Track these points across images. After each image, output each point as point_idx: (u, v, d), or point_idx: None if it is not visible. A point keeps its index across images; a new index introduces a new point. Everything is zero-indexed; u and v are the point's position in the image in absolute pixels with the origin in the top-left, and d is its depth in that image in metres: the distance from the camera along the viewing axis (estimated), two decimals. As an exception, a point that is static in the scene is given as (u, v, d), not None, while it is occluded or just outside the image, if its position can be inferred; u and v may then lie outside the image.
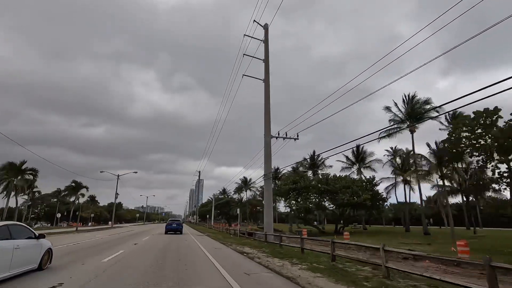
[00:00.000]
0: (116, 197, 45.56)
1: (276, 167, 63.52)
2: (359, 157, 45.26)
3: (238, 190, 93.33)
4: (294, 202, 33.13)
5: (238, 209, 27.63)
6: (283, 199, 36.22)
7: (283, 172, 58.40)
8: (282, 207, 68.10)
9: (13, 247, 6.47)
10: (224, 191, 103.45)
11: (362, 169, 45.09)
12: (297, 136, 23.84)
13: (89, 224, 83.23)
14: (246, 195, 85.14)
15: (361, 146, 44.74)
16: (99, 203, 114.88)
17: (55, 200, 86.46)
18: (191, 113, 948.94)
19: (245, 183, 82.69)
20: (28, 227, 8.02)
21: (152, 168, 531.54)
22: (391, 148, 50.11)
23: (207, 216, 68.53)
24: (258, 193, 79.39)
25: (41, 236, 8.07)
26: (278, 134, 23.68)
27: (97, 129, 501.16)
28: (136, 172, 43.02)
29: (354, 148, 45.02)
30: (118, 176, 43.61)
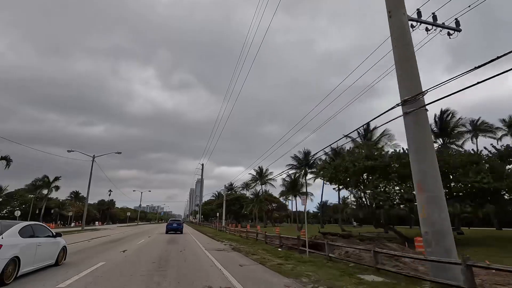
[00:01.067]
0: (89, 185, 32.11)
1: (305, 151, 49.85)
2: (447, 128, 31.09)
3: (246, 186, 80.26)
4: (385, 188, 19.19)
5: (303, 198, 13.24)
6: (350, 186, 22.31)
7: (315, 158, 44.58)
8: (309, 203, 54.71)
9: (36, 244, 7.36)
10: (231, 187, 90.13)
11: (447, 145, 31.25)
12: (457, 24, 10.43)
13: (72, 224, 69.23)
14: (261, 189, 71.11)
15: (448, 111, 30.90)
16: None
17: (32, 195, 72.71)
18: (191, 111, 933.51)
19: (260, 175, 68.40)
20: (47, 226, 9.01)
21: (151, 167, 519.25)
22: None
23: (217, 214, 53.88)
24: (285, 185, 65.30)
25: (58, 234, 8.98)
26: (419, 13, 10.13)
27: (95, 127, 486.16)
28: (120, 153, 29.25)
29: (436, 114, 31.39)
30: (94, 157, 30.38)
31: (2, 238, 6.24)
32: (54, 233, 8.72)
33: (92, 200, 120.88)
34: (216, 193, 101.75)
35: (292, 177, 53.36)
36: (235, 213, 74.03)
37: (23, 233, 7.01)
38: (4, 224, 6.89)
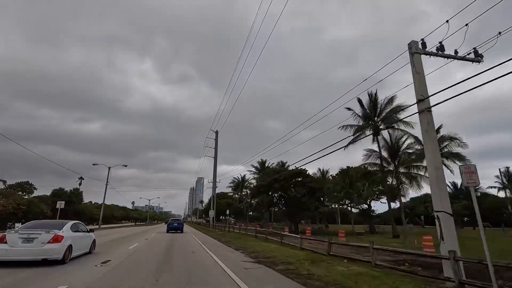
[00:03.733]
0: None
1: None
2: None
3: (283, 165, 46.76)
4: None
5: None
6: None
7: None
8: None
9: (79, 237, 10.52)
10: (263, 165, 56.06)
11: None
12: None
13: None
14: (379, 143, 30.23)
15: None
16: (36, 189, 65.28)
17: None
18: (192, 107, 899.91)
19: (374, 110, 29.34)
20: (82, 223, 12.03)
21: (150, 166, 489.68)
22: None
23: (273, 211, 19.30)
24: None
25: (91, 230, 12.20)
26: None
27: (92, 124, 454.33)
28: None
29: None
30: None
31: (63, 231, 9.34)
32: (88, 229, 12.01)
33: (46, 190, 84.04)
34: (239, 176, 68.70)
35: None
36: (287, 207, 38.63)
37: (72, 228, 10.20)
38: (63, 222, 10.25)
